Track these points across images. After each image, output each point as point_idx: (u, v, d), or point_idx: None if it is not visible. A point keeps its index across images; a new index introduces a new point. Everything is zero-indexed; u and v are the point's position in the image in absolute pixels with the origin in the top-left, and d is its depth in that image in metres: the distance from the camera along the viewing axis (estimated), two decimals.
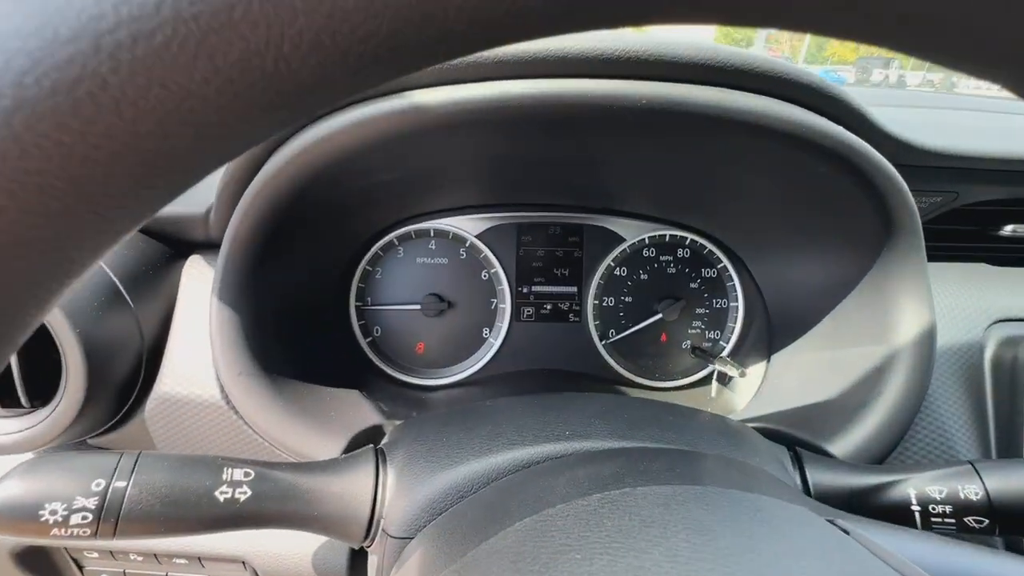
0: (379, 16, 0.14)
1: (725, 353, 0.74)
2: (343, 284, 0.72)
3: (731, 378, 0.70)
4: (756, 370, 0.70)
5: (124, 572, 0.60)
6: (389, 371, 0.73)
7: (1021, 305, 0.57)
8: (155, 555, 0.57)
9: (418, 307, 0.72)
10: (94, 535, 0.33)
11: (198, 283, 0.56)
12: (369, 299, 0.73)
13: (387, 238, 0.72)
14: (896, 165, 0.47)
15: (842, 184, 0.46)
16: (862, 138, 0.44)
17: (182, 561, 0.58)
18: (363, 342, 0.73)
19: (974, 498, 0.39)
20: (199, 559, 0.57)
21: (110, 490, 0.33)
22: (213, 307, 0.49)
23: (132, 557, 0.58)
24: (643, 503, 0.26)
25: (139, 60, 0.13)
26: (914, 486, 0.41)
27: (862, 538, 0.25)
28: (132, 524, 0.34)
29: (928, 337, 0.50)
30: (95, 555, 0.59)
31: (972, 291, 0.58)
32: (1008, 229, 0.58)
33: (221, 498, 0.36)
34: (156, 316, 0.55)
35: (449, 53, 0.16)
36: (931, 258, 0.60)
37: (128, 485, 0.34)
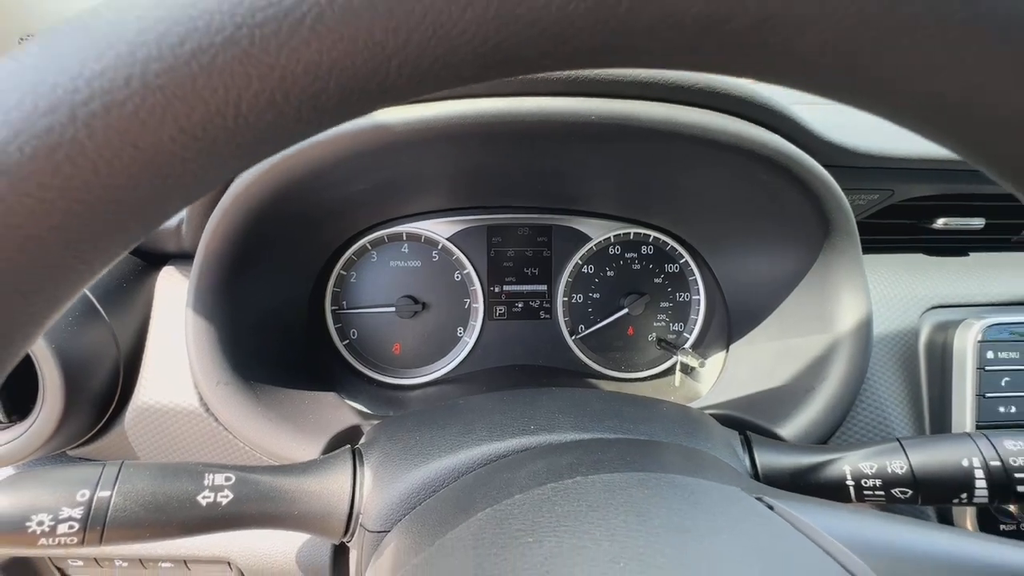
0: (327, 77, 0.16)
1: (688, 345, 0.78)
2: (318, 289, 0.73)
3: (694, 368, 0.74)
4: (716, 360, 0.74)
5: None
6: (367, 372, 0.75)
7: (952, 292, 0.62)
8: (140, 560, 0.59)
9: (393, 309, 0.74)
10: (81, 543, 0.35)
11: (172, 294, 0.58)
12: (344, 303, 0.75)
13: (360, 243, 0.73)
14: (832, 167, 0.51)
15: (782, 187, 0.50)
16: (798, 144, 0.48)
17: (168, 565, 0.59)
18: (340, 345, 0.74)
19: (900, 472, 0.43)
20: (184, 562, 0.59)
21: (95, 499, 0.35)
22: (188, 319, 0.51)
23: (117, 563, 0.59)
24: (590, 490, 0.29)
25: (112, 126, 0.15)
26: (849, 463, 0.45)
27: (783, 511, 0.29)
28: (118, 531, 0.35)
29: (865, 326, 0.54)
30: (79, 563, 0.60)
31: (908, 280, 0.63)
32: (940, 222, 0.63)
33: (203, 502, 0.37)
34: (131, 328, 0.56)
35: (390, 101, 0.18)
36: (871, 250, 0.65)
37: (112, 494, 0.35)
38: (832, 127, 0.56)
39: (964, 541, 0.29)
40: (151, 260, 0.60)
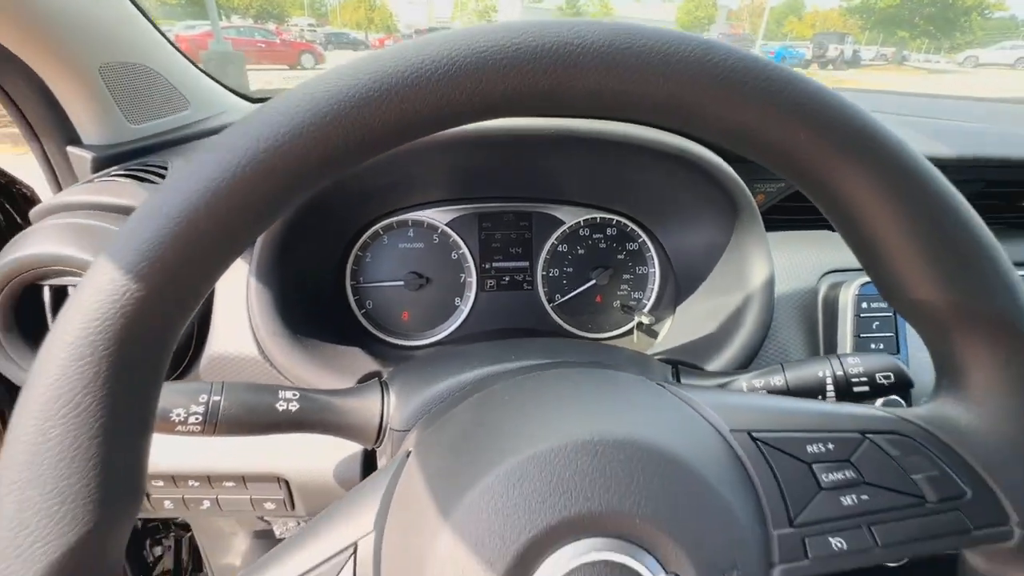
0: (386, 130, 0.32)
1: (646, 309, 0.94)
2: (341, 267, 0.89)
3: (648, 327, 0.90)
4: (668, 320, 0.90)
5: (183, 497, 0.77)
6: (381, 336, 0.91)
7: (844, 260, 0.78)
8: (208, 478, 0.74)
9: (401, 283, 0.89)
10: (202, 432, 0.50)
11: (232, 268, 0.73)
12: (361, 279, 0.90)
13: (373, 228, 0.89)
14: (739, 162, 0.67)
15: (700, 181, 0.66)
16: (709, 147, 0.64)
17: (230, 483, 0.75)
18: (358, 313, 0.90)
19: (779, 384, 0.60)
20: (243, 479, 0.74)
21: (210, 402, 0.51)
22: (251, 286, 0.66)
23: (190, 483, 0.75)
24: (545, 377, 0.45)
25: (288, 154, 0.31)
26: (745, 380, 0.61)
27: (670, 387, 0.45)
28: (225, 425, 0.51)
29: (769, 285, 0.71)
30: (160, 483, 0.75)
31: (812, 251, 0.79)
32: None
33: (280, 408, 0.53)
34: None
35: (415, 138, 0.34)
36: (787, 227, 0.81)
37: (221, 399, 0.51)
38: None
39: (808, 402, 0.45)
40: None
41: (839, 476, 0.38)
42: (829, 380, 0.58)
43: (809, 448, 0.39)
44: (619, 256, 0.94)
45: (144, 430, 0.32)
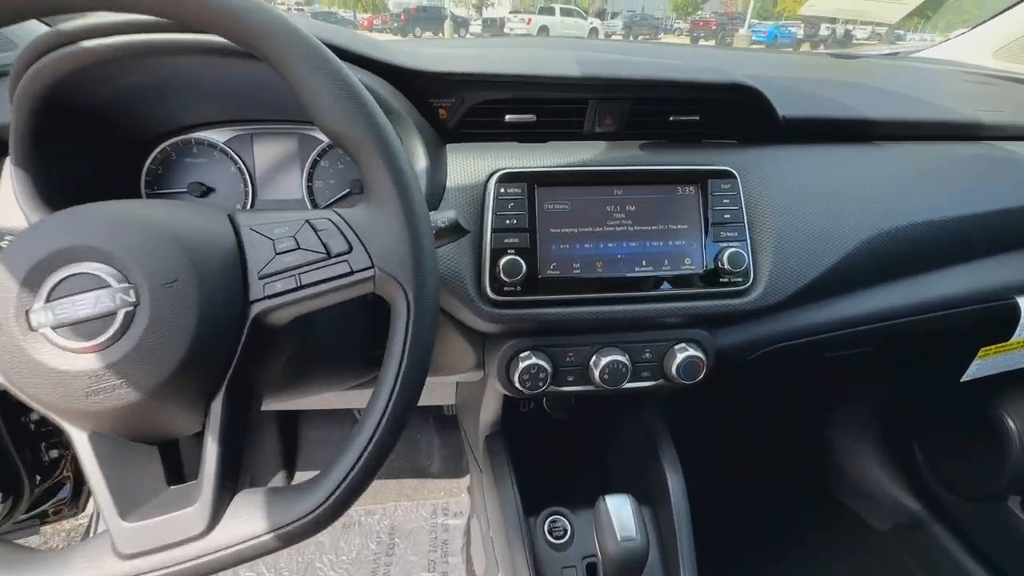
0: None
1: None
2: (137, 176, 1.09)
3: None
4: None
5: None
6: None
7: (508, 164, 0.99)
8: None
9: (186, 191, 1.10)
10: None
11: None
12: (155, 187, 1.11)
13: (162, 146, 1.09)
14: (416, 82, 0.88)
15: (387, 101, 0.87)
16: (390, 73, 0.85)
17: None
18: None
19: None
20: None
21: None
22: (15, 175, 0.87)
23: None
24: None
25: None
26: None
27: (233, 213, 0.66)
28: None
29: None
30: None
31: (491, 158, 1.00)
32: (508, 118, 1.01)
33: None
34: None
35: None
36: (477, 139, 1.03)
37: None
38: (424, 58, 0.93)
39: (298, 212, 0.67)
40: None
41: (286, 245, 0.60)
42: None
43: (276, 231, 0.61)
44: None
45: None
